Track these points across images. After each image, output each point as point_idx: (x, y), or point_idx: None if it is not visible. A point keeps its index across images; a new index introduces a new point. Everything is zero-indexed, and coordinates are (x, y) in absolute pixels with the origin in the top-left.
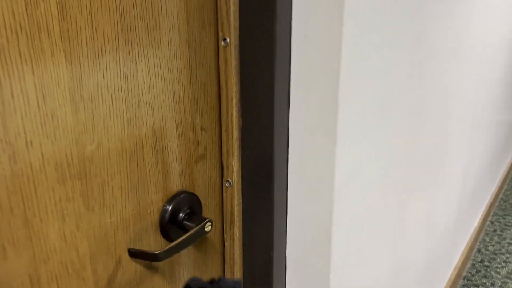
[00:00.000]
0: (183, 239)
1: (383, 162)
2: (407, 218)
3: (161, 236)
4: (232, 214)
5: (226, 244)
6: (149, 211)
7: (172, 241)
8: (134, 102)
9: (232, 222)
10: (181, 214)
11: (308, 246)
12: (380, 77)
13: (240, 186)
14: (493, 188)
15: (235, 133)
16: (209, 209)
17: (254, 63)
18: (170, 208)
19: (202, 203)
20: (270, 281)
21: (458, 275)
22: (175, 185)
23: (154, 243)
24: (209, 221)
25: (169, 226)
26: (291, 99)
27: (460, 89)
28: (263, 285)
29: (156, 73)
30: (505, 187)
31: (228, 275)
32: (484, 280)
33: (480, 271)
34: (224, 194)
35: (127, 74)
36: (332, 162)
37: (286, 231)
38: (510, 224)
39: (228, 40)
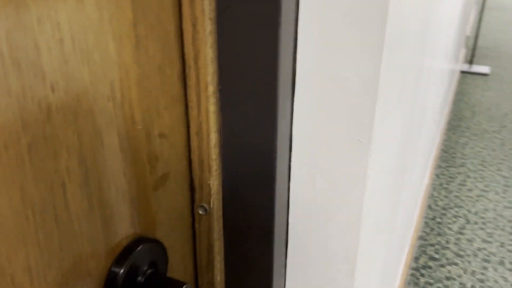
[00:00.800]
0: None
1: (395, 150)
2: (399, 201)
3: None
4: (210, 251)
5: None
6: (85, 287)
7: None
8: (38, 110)
9: (209, 262)
10: (139, 278)
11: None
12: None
13: (221, 213)
14: (437, 139)
15: (213, 137)
16: (175, 251)
17: (243, 28)
18: (121, 272)
19: (166, 247)
20: None
21: (416, 237)
22: (125, 233)
23: None
24: (188, 287)
25: None
26: (298, 78)
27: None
28: None
29: (78, 53)
30: (444, 137)
31: None
32: (439, 239)
33: (433, 229)
34: (197, 225)
35: (18, 59)
36: (363, 170)
37: (286, 266)
38: (454, 176)
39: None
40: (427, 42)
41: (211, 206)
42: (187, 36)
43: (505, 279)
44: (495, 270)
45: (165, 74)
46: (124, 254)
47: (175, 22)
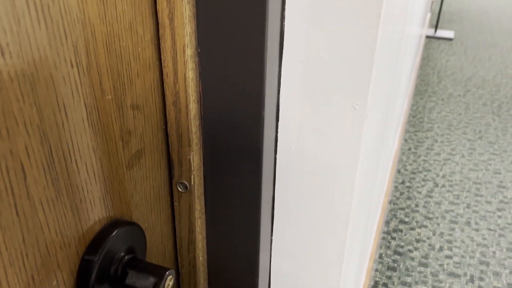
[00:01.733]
0: None
1: (380, 117)
2: (378, 167)
3: None
4: (191, 231)
5: (182, 271)
6: (55, 282)
7: None
8: None
9: (191, 242)
10: (116, 266)
11: (314, 265)
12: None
13: (203, 190)
14: (405, 104)
15: (192, 108)
16: (154, 232)
17: None
18: (95, 260)
19: (144, 229)
20: None
21: (387, 201)
22: (98, 218)
23: None
24: (170, 273)
25: None
26: (286, 39)
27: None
28: None
29: (33, 9)
30: (412, 102)
31: None
32: (408, 202)
33: (403, 193)
34: (176, 204)
35: None
36: (358, 139)
37: (271, 243)
38: (422, 141)
39: None
40: (408, 7)
41: (192, 182)
42: None
43: (472, 239)
44: (462, 230)
45: (136, 35)
46: (98, 240)
47: None
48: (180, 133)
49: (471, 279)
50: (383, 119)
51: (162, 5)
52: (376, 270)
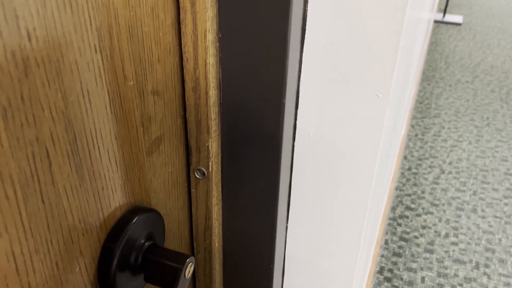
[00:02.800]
0: None
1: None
2: (392, 148)
3: None
4: (208, 218)
5: (198, 256)
6: (78, 269)
7: None
8: (14, 65)
9: (207, 228)
10: (136, 254)
11: (326, 248)
12: None
13: (220, 177)
14: (413, 90)
15: (212, 94)
16: (172, 218)
17: None
18: (116, 246)
19: (162, 215)
20: None
21: (393, 188)
22: (119, 205)
23: None
24: (190, 260)
25: (119, 278)
26: (309, 25)
27: None
28: None
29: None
30: (419, 88)
31: None
32: (415, 189)
33: (409, 179)
34: (193, 190)
35: None
36: (379, 127)
37: (286, 230)
38: (428, 127)
39: None
40: None
41: (210, 169)
42: None
43: (477, 226)
44: (468, 217)
45: (158, 19)
46: (119, 227)
47: None
48: (199, 120)
49: (477, 266)
50: (398, 106)
51: None
52: (382, 256)
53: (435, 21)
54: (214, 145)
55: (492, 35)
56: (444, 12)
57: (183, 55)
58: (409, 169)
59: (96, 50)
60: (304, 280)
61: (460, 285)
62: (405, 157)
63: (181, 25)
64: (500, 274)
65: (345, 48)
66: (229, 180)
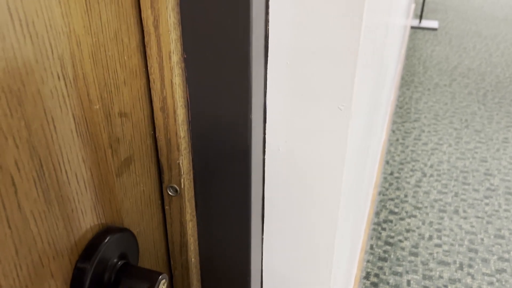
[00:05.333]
0: None
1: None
2: (367, 154)
3: None
4: (183, 234)
5: (175, 272)
6: None
7: None
8: None
9: (183, 244)
10: (109, 274)
11: (302, 259)
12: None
13: (193, 193)
14: (392, 96)
15: (180, 113)
16: (146, 237)
17: None
18: (88, 268)
19: (136, 234)
20: None
21: (376, 193)
22: (90, 226)
23: None
24: (163, 277)
25: None
26: (271, 49)
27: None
28: None
29: (18, 25)
30: (399, 93)
31: None
32: (398, 193)
33: (392, 184)
34: (167, 208)
35: None
36: (344, 138)
37: (262, 248)
38: (409, 131)
39: None
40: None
41: (182, 186)
42: None
43: (460, 227)
44: (451, 219)
45: (122, 43)
46: (90, 248)
47: None
48: (168, 138)
49: (461, 267)
50: (369, 113)
51: (146, 13)
52: (368, 261)
53: (412, 27)
54: (185, 162)
55: (467, 38)
56: (420, 18)
57: (150, 77)
58: (392, 173)
59: (59, 78)
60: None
61: (445, 286)
62: (387, 162)
63: (146, 47)
64: (483, 274)
65: (306, 64)
66: (202, 196)
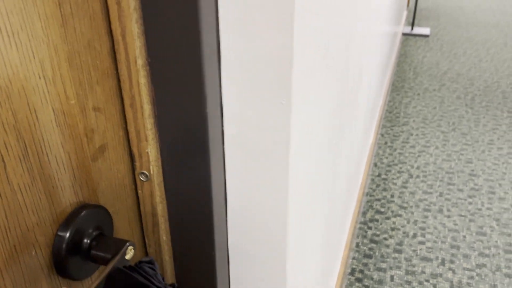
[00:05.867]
0: (98, 285)
1: (327, 108)
2: (340, 152)
3: (61, 278)
4: (154, 215)
5: (150, 250)
6: (34, 252)
7: (78, 279)
8: None
9: (155, 224)
10: (85, 240)
11: (258, 236)
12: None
13: (162, 178)
14: (380, 101)
15: (146, 108)
16: (121, 217)
17: (165, 1)
18: (67, 235)
19: (111, 213)
20: (214, 283)
21: (363, 193)
22: (69, 202)
23: None
24: (130, 244)
25: (71, 261)
26: (223, 52)
27: (364, 11)
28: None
29: (5, 35)
30: (388, 98)
31: None
32: (384, 194)
33: (379, 185)
34: (140, 191)
35: None
36: (287, 129)
37: (226, 221)
38: (397, 135)
39: None
40: (357, 8)
41: (151, 172)
42: (113, 13)
43: (444, 225)
44: (435, 218)
45: (95, 50)
46: (69, 220)
47: (100, 0)
48: (138, 130)
49: (442, 262)
50: (334, 115)
51: (115, 25)
52: (353, 258)
53: (404, 34)
54: (153, 151)
55: (458, 44)
56: (412, 25)
57: (120, 78)
58: (379, 175)
59: (39, 77)
60: (249, 268)
61: (427, 281)
62: (375, 165)
63: (115, 53)
64: (464, 269)
65: (253, 66)
66: (169, 180)
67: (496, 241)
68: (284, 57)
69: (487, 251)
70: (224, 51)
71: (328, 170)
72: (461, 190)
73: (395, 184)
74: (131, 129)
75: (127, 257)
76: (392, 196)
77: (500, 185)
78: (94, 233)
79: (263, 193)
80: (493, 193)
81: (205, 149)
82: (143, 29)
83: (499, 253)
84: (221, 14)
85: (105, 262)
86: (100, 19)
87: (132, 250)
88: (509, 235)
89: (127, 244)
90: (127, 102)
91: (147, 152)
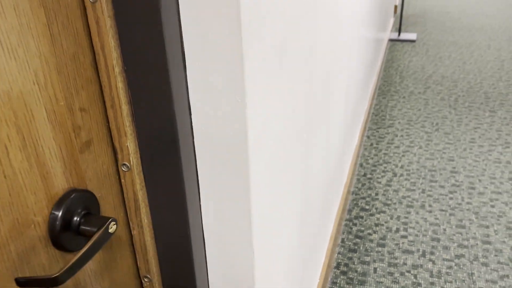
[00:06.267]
0: (85, 251)
1: (289, 103)
2: (312, 150)
3: (55, 250)
4: (136, 200)
5: (134, 232)
6: (33, 226)
7: (70, 250)
8: None
9: (137, 208)
10: (75, 218)
11: (225, 217)
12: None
13: (141, 168)
14: (366, 104)
15: (124, 108)
16: (107, 202)
17: (135, 20)
18: (60, 214)
19: (98, 198)
20: (190, 259)
21: (348, 192)
22: (61, 186)
23: (47, 260)
24: (112, 220)
25: (64, 236)
26: (187, 57)
27: (340, 11)
28: (183, 266)
29: (6, 51)
30: (374, 101)
31: (141, 264)
32: (369, 192)
33: (364, 184)
34: (123, 180)
35: None
36: (243, 122)
37: (200, 207)
38: (383, 136)
39: None
40: (318, 15)
41: (131, 163)
42: (93, 31)
43: (425, 220)
44: (417, 213)
45: (79, 61)
46: (61, 201)
47: (83, 21)
48: (118, 127)
49: (423, 254)
50: (298, 111)
51: (95, 40)
52: (339, 253)
53: (391, 40)
54: (132, 145)
55: (444, 48)
56: (399, 31)
57: (101, 83)
58: (364, 175)
59: (34, 83)
60: (220, 244)
61: (408, 271)
62: (361, 165)
63: (97, 63)
64: (443, 259)
65: (212, 65)
66: (148, 170)
67: (475, 233)
68: (236, 60)
69: (466, 243)
70: (189, 56)
71: (297, 164)
72: (442, 187)
73: (379, 182)
74: (113, 126)
75: (111, 230)
76: (376, 194)
77: (480, 180)
78: (82, 213)
79: (227, 179)
80: (473, 188)
81: (175, 142)
82: (118, 43)
83: (477, 244)
84: (184, 28)
85: (92, 235)
86: (83, 35)
87: (115, 225)
88: (487, 227)
89: (110, 220)
90: (108, 103)
91: (127, 146)
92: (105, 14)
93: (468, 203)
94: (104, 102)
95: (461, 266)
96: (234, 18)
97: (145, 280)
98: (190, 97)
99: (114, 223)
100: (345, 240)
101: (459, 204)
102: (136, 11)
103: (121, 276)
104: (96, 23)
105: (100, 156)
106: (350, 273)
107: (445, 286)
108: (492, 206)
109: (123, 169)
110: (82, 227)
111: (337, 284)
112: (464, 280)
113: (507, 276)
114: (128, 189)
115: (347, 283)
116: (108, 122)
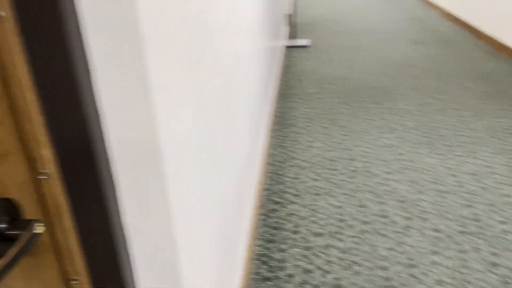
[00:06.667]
0: (11, 255)
1: (197, 110)
2: (222, 151)
3: None
4: (57, 206)
5: (58, 237)
6: None
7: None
8: None
9: (59, 214)
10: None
11: (145, 211)
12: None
13: (59, 175)
14: (269, 108)
15: (37, 119)
16: (29, 209)
17: (43, 37)
18: None
19: (20, 206)
20: (115, 257)
21: (262, 189)
22: None
23: None
24: (35, 222)
25: None
26: (94, 66)
27: (237, 22)
28: (109, 264)
29: None
30: (278, 105)
31: (68, 267)
32: (280, 187)
33: (275, 179)
34: (43, 188)
35: None
36: (152, 125)
37: (119, 208)
38: (287, 135)
39: (3, 14)
40: (208, 31)
41: (50, 171)
42: (2, 48)
43: (331, 204)
44: (324, 199)
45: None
46: None
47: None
48: (34, 137)
49: (332, 234)
50: (208, 117)
51: (3, 56)
52: (259, 246)
53: (288, 47)
54: (47, 154)
55: (334, 51)
56: (294, 37)
57: (13, 96)
58: (274, 172)
59: None
60: (143, 240)
61: (321, 252)
62: (270, 163)
63: (7, 78)
64: (350, 236)
65: (118, 79)
66: (66, 176)
67: (374, 210)
68: (138, 71)
69: (367, 219)
70: (95, 68)
71: (211, 163)
72: (343, 174)
73: (288, 177)
74: (28, 137)
75: (38, 231)
76: (286, 187)
77: (373, 164)
78: (6, 218)
79: (144, 178)
80: (369, 171)
81: (89, 147)
82: (27, 56)
83: (377, 220)
84: (90, 43)
85: (17, 237)
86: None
87: (41, 226)
88: (383, 203)
89: (32, 221)
90: (22, 115)
91: (44, 155)
92: (12, 32)
93: (365, 184)
94: (18, 114)
95: (366, 240)
96: (136, 33)
97: (74, 282)
98: (100, 104)
99: (39, 224)
100: (263, 232)
101: (358, 187)
102: (44, 31)
103: (49, 281)
104: (4, 41)
105: (19, 166)
106: (270, 262)
107: (352, 259)
108: (386, 185)
109: (43, 177)
110: (7, 232)
111: (260, 274)
112: (368, 252)
113: (404, 243)
114: (48, 196)
115: (268, 271)
116: (24, 133)
